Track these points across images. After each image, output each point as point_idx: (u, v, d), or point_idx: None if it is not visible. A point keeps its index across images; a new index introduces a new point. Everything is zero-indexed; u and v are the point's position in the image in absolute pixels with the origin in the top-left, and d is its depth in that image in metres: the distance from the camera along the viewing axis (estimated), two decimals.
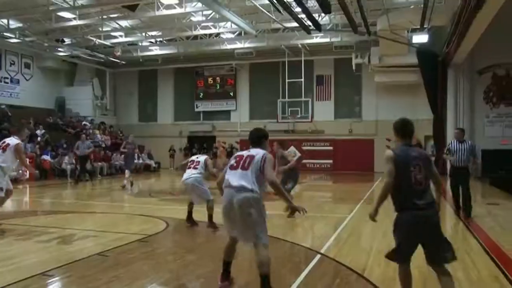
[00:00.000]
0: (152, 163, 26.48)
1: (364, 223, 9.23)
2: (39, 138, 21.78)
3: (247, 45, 25.00)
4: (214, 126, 28.62)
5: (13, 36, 22.98)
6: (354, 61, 24.36)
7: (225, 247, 4.97)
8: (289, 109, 26.11)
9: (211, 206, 8.30)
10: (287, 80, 26.18)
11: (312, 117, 25.81)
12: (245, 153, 4.82)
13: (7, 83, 24.93)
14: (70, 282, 5.42)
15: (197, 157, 8.72)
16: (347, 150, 25.53)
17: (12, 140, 8.10)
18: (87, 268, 5.90)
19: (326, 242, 7.36)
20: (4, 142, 8.14)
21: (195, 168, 8.42)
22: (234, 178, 4.65)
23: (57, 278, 5.52)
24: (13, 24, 21.63)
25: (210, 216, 8.35)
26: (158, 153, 27.49)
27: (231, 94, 28.79)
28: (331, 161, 26.48)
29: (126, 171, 17.04)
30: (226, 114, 28.89)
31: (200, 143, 28.43)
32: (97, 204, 11.13)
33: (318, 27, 18.34)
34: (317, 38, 23.20)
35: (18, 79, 25.69)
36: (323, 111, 26.53)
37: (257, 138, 4.97)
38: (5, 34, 22.64)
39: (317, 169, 26.28)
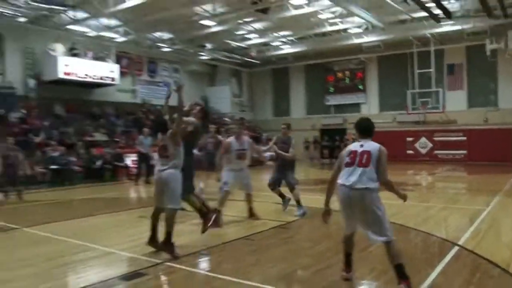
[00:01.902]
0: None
1: (505, 215, 8.48)
2: None
3: (374, 38, 24.21)
4: (345, 119, 28.21)
5: (165, 46, 24.88)
6: (488, 47, 22.13)
7: (344, 240, 4.82)
8: (419, 100, 24.70)
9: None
10: (416, 71, 24.79)
11: (443, 107, 24.18)
12: (358, 148, 4.46)
13: (161, 86, 27.04)
14: (220, 262, 5.77)
15: None
16: (482, 140, 23.42)
17: None
18: (234, 250, 6.23)
19: (463, 234, 6.87)
20: None
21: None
22: (353, 176, 4.36)
23: (208, 258, 5.90)
24: (165, 35, 23.44)
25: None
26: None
27: (360, 87, 28.13)
28: (465, 151, 24.55)
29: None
30: (356, 107, 28.28)
31: (332, 135, 28.28)
32: (239, 192, 11.56)
33: (448, 14, 17.16)
34: (447, 26, 21.59)
35: (170, 82, 27.69)
36: (455, 101, 24.67)
37: (369, 129, 4.61)
38: (159, 44, 24.58)
39: (450, 159, 24.59)
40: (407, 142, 26.17)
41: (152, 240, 6.05)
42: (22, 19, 18.86)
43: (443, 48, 24.72)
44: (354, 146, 4.55)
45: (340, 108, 28.90)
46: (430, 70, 24.24)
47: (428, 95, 24.50)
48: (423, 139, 25.82)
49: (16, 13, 17.88)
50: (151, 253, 5.90)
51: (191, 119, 7.04)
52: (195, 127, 7.04)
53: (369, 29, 23.20)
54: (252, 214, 8.45)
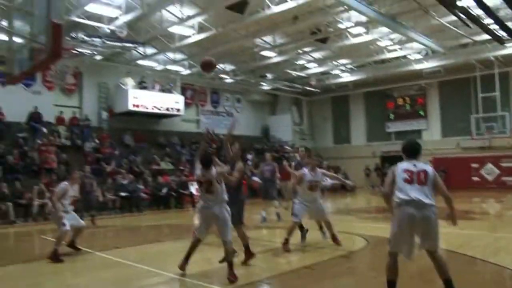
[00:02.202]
0: (349, 182, 26.35)
1: None
2: (249, 162, 23.53)
3: (435, 63, 23.61)
4: None
5: (227, 77, 25.56)
6: None
7: (388, 266, 4.78)
8: (484, 125, 23.59)
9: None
10: (479, 95, 23.67)
11: (511, 131, 22.96)
12: (412, 167, 4.73)
13: (224, 116, 27.67)
14: None
15: None
16: None
17: None
18: (296, 279, 6.17)
19: None
20: None
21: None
22: (413, 192, 4.59)
23: (271, 286, 5.89)
24: (228, 67, 24.11)
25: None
26: (352, 173, 27.35)
27: (421, 113, 27.38)
28: None
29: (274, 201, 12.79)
30: (417, 133, 27.43)
31: (393, 162, 27.52)
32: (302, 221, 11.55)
33: None
34: None
35: (232, 112, 28.31)
36: None
37: (418, 150, 4.95)
38: (222, 76, 25.30)
39: None
40: (472, 169, 24.99)
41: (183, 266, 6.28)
42: (98, 57, 20.10)
43: (508, 70, 23.64)
44: (408, 166, 4.79)
45: (400, 135, 28.13)
46: (495, 93, 23.11)
47: (493, 119, 23.30)
48: (489, 165, 24.56)
49: (94, 52, 19.11)
50: (215, 279, 5.96)
51: (224, 169, 6.45)
52: (239, 172, 6.90)
53: (429, 54, 22.70)
54: (335, 240, 8.29)
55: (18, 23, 6.87)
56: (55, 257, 7.29)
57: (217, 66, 23.30)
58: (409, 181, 4.64)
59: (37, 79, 19.03)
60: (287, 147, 28.23)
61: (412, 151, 4.94)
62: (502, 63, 22.89)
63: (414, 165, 4.75)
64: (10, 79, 7.14)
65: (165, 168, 20.10)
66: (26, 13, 6.27)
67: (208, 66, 7.27)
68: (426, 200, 4.55)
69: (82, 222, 8.41)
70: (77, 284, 6.19)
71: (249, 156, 23.66)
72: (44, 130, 18.25)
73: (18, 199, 14.16)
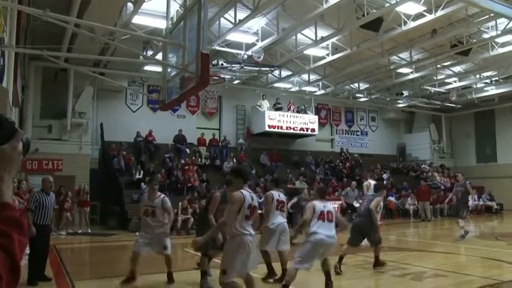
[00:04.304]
0: (493, 204, 24.15)
1: None
2: (385, 182, 22.78)
3: None
4: None
5: (362, 96, 25.27)
6: None
7: None
8: None
9: None
10: None
11: None
12: None
13: (358, 135, 27.33)
14: None
15: None
16: None
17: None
18: None
19: None
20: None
21: None
22: None
23: None
24: (362, 86, 23.84)
25: None
26: (500, 193, 24.89)
27: None
28: None
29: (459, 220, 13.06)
30: None
31: None
32: (441, 244, 10.78)
33: None
34: None
35: (367, 131, 27.82)
36: None
37: None
38: (356, 95, 25.10)
39: None
40: None
41: None
42: (236, 81, 21.30)
43: None
44: None
45: None
46: None
47: None
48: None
49: (233, 77, 20.32)
50: None
51: None
52: None
53: None
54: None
55: (170, 55, 7.66)
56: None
57: (350, 85, 23.19)
58: None
59: (182, 105, 20.71)
60: (425, 166, 26.81)
61: None
62: None
63: None
64: (164, 105, 7.94)
65: (299, 187, 20.34)
66: (178, 47, 6.95)
67: None
68: None
69: None
70: None
71: (385, 176, 22.95)
72: (187, 151, 19.83)
73: None
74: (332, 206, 6.49)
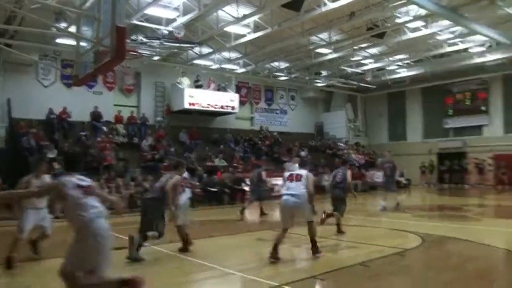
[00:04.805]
0: (402, 179, 25.84)
1: None
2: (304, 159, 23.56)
3: (499, 56, 22.47)
4: (465, 142, 26.47)
5: (282, 74, 25.72)
6: None
7: None
8: None
9: None
10: None
11: None
12: None
13: (278, 113, 27.86)
14: (337, 287, 5.76)
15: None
16: None
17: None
18: (351, 276, 6.21)
19: None
20: None
21: None
22: None
23: (326, 282, 5.94)
24: (282, 65, 24.25)
25: None
26: (408, 170, 26.69)
27: (483, 108, 26.25)
28: None
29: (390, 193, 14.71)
30: (477, 129, 26.39)
31: (450, 159, 26.79)
32: (354, 218, 11.44)
33: None
34: None
35: (286, 110, 28.43)
36: None
37: None
38: (276, 74, 25.50)
39: None
40: None
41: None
42: (155, 58, 20.78)
43: None
44: None
45: (459, 131, 27.20)
46: None
47: None
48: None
49: (152, 53, 19.77)
50: (268, 275, 6.09)
51: None
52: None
53: (493, 46, 21.61)
54: None
55: (85, 28, 7.32)
56: None
57: (271, 64, 23.44)
58: None
59: (99, 80, 19.95)
60: (341, 144, 28.03)
61: None
62: None
63: None
64: (77, 81, 7.61)
65: (219, 165, 20.48)
66: (93, 19, 6.66)
67: None
68: None
69: None
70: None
71: (303, 154, 23.71)
72: (104, 128, 19.19)
73: None
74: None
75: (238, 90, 24.57)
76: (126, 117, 20.68)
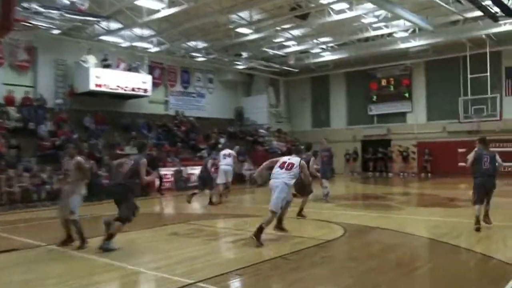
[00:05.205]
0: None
1: None
2: (220, 146, 23.48)
3: (422, 42, 23.78)
4: (389, 129, 27.81)
5: (199, 55, 25.41)
6: None
7: None
8: (473, 108, 23.91)
9: None
10: (469, 76, 23.98)
11: (501, 115, 23.29)
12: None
13: (194, 97, 27.53)
14: (257, 281, 5.77)
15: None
16: None
17: None
18: (271, 269, 6.25)
19: None
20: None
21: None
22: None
23: (245, 277, 5.92)
24: (200, 44, 23.93)
25: None
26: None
27: (406, 95, 27.66)
28: None
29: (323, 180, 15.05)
30: (401, 116, 27.84)
31: (375, 146, 27.99)
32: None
33: (508, 12, 16.52)
34: (506, 25, 20.54)
35: (204, 93, 28.15)
36: None
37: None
38: (193, 54, 25.14)
39: (509, 173, 23.55)
40: (459, 154, 25.41)
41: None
42: (55, 32, 19.60)
43: (501, 49, 23.79)
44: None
45: (383, 118, 28.51)
46: (486, 74, 23.25)
47: (483, 102, 23.58)
48: None
49: (50, 26, 18.54)
50: (183, 272, 5.96)
51: None
52: None
53: (416, 32, 22.79)
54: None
55: None
56: None
57: (188, 43, 23.07)
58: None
59: None
60: (262, 130, 28.28)
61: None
62: (495, 42, 22.93)
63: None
64: None
65: (129, 152, 19.82)
66: None
67: None
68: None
69: None
70: (16, 282, 6.01)
71: (221, 140, 23.66)
72: None
73: None
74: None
75: (151, 71, 23.91)
76: (20, 98, 19.36)
